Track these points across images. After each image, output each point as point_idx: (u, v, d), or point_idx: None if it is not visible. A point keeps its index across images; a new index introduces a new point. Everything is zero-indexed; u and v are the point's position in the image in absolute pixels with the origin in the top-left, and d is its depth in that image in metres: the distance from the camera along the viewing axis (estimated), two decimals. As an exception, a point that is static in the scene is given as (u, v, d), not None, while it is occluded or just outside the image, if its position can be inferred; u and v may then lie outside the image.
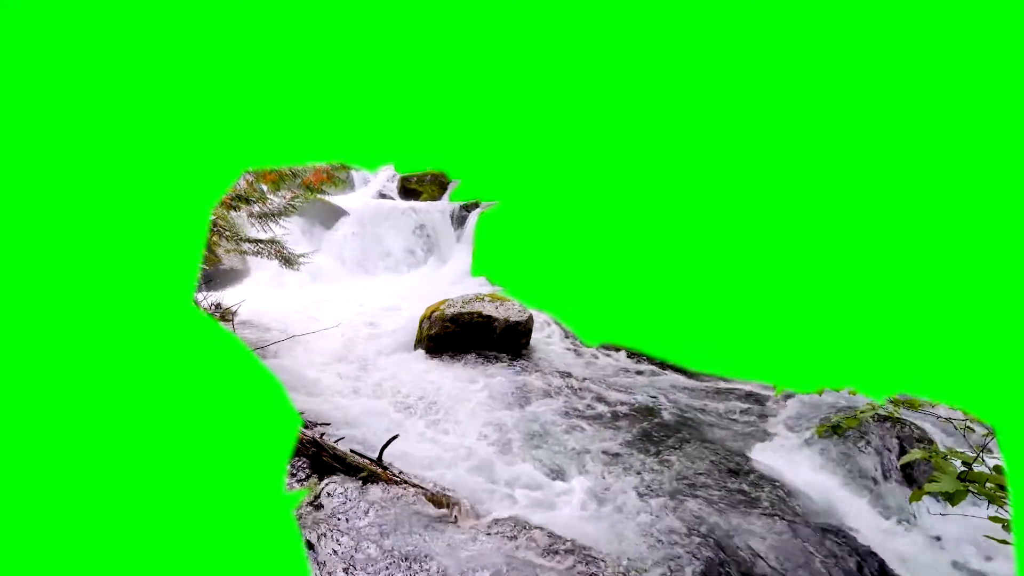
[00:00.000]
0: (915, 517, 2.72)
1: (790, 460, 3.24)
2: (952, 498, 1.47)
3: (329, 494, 2.53)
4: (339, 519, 2.36)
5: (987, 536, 2.03)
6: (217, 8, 0.29)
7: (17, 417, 0.28)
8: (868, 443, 3.19)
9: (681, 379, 4.31)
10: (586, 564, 2.18)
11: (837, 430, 2.15)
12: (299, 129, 0.30)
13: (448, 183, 10.55)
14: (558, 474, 2.94)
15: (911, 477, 2.98)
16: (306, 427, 3.00)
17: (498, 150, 0.30)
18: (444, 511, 2.46)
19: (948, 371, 0.27)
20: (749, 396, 4.00)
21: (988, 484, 1.52)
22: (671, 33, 0.27)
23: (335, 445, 2.85)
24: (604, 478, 2.91)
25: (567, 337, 5.11)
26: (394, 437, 2.91)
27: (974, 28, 0.25)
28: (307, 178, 4.74)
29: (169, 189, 0.30)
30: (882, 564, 2.33)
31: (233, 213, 4.56)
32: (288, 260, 4.94)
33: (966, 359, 0.26)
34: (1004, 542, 1.51)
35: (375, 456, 2.79)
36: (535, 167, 0.30)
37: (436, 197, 10.49)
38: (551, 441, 3.25)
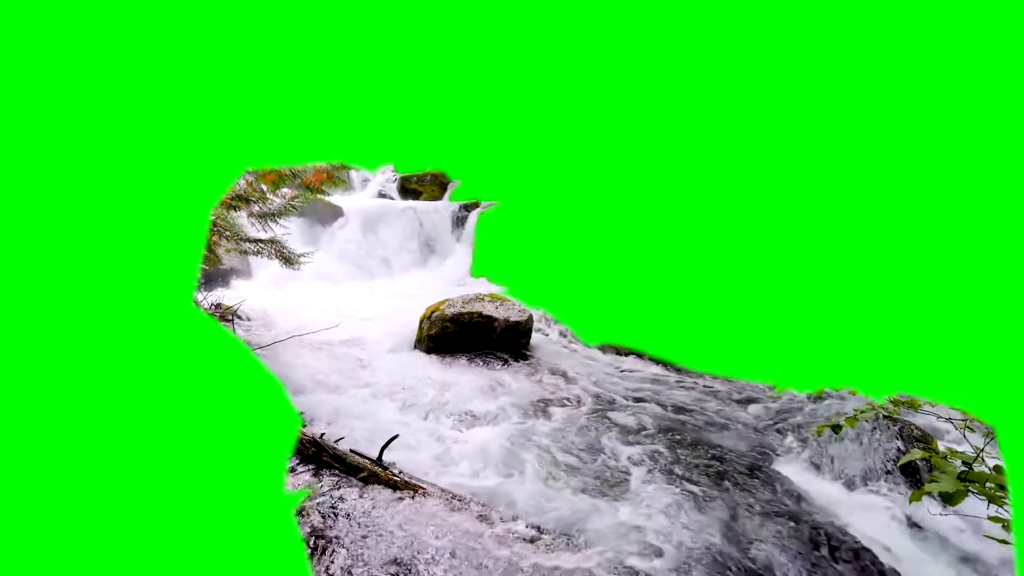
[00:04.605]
0: (915, 517, 2.72)
1: (789, 459, 3.24)
2: (952, 498, 1.47)
3: (329, 494, 2.53)
4: (339, 518, 2.36)
5: (987, 536, 2.03)
6: (217, 8, 0.29)
7: (18, 416, 0.28)
8: (868, 443, 3.19)
9: (680, 378, 4.31)
10: (586, 563, 2.18)
11: (836, 430, 2.15)
12: (299, 129, 0.30)
13: (448, 183, 10.55)
14: (558, 473, 2.94)
15: (911, 477, 2.98)
16: (306, 427, 3.00)
17: (498, 150, 0.30)
18: (443, 510, 2.46)
19: (948, 371, 0.27)
20: (748, 395, 4.00)
21: (988, 484, 1.52)
22: (671, 34, 0.27)
23: (335, 445, 2.85)
24: (604, 477, 2.91)
25: (567, 337, 5.11)
26: (394, 437, 2.91)
27: (973, 28, 0.25)
28: (307, 178, 4.74)
29: (169, 189, 0.30)
30: (881, 564, 2.33)
31: (233, 213, 4.56)
32: (288, 260, 4.94)
33: (966, 359, 0.26)
34: (1004, 542, 1.51)
35: (375, 456, 2.79)
36: (535, 167, 0.30)
37: (436, 197, 10.48)
38: (551, 440, 3.25)
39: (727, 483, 2.88)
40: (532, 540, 2.29)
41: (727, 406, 3.86)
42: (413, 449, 3.10)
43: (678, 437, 3.34)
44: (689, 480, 2.89)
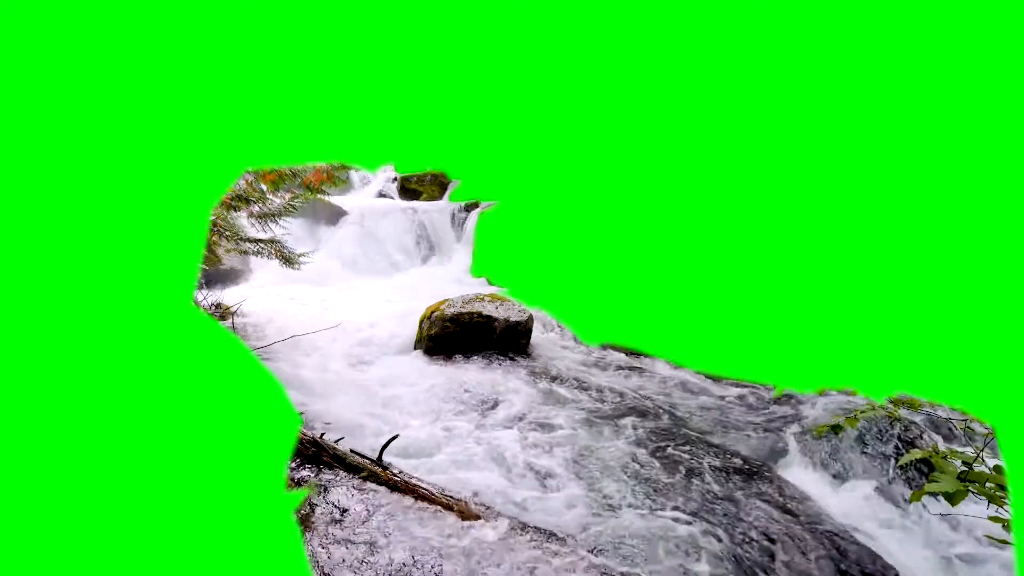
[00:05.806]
0: (915, 517, 2.72)
1: (789, 460, 3.24)
2: (952, 498, 1.47)
3: (329, 494, 2.53)
4: (339, 519, 2.36)
5: (987, 536, 2.03)
6: (216, 7, 0.29)
7: (15, 417, 0.28)
8: (868, 443, 3.19)
9: (679, 377, 4.31)
10: (590, 566, 2.18)
11: (836, 430, 2.15)
12: (299, 129, 0.30)
13: (448, 183, 10.55)
14: (559, 476, 2.94)
15: (911, 477, 2.98)
16: (306, 427, 3.00)
17: (498, 150, 0.30)
18: (443, 511, 2.46)
19: (948, 371, 0.27)
20: (748, 395, 4.00)
21: (988, 484, 1.52)
22: (671, 33, 0.27)
23: (335, 445, 2.85)
24: (606, 478, 2.91)
25: (567, 337, 5.11)
26: (394, 437, 2.91)
27: (974, 28, 0.25)
28: (307, 178, 4.74)
29: (169, 189, 0.30)
30: (881, 564, 2.33)
31: (233, 213, 4.56)
32: (288, 260, 4.94)
33: (966, 359, 0.26)
34: (1004, 542, 1.51)
35: (375, 456, 2.79)
36: (535, 167, 0.30)
37: (436, 197, 10.48)
38: (551, 442, 3.25)
39: (725, 481, 2.88)
40: (529, 541, 2.29)
41: (728, 404, 3.86)
42: (412, 448, 3.10)
43: (675, 433, 3.34)
44: (685, 477, 2.89)
